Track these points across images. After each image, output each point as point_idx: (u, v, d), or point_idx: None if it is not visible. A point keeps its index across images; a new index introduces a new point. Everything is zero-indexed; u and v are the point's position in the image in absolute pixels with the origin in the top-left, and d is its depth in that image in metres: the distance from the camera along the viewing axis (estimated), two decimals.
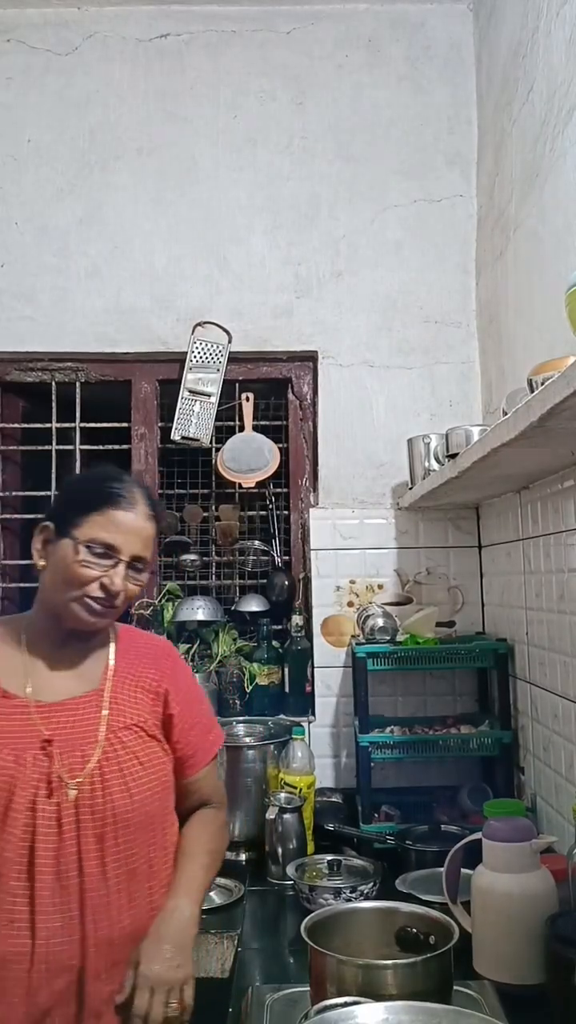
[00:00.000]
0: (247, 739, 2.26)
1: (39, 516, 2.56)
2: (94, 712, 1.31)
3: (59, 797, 1.22)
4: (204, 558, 2.66)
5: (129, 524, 1.29)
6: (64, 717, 1.28)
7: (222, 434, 2.63)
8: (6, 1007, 1.15)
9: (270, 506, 2.67)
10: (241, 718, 2.41)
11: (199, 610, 2.50)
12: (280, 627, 2.58)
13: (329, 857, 1.82)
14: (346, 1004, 1.05)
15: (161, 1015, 1.19)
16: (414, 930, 1.26)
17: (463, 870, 1.52)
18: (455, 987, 1.22)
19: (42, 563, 1.31)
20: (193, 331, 2.54)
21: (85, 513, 1.28)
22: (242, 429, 2.62)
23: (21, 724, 1.26)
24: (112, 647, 1.41)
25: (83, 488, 1.36)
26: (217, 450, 2.60)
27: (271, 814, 1.96)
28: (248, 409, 2.63)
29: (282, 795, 1.99)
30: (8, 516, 2.67)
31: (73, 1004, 1.19)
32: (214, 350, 2.55)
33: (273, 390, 2.73)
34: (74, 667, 1.35)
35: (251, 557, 2.64)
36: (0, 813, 1.19)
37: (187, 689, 1.45)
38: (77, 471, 2.64)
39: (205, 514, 2.67)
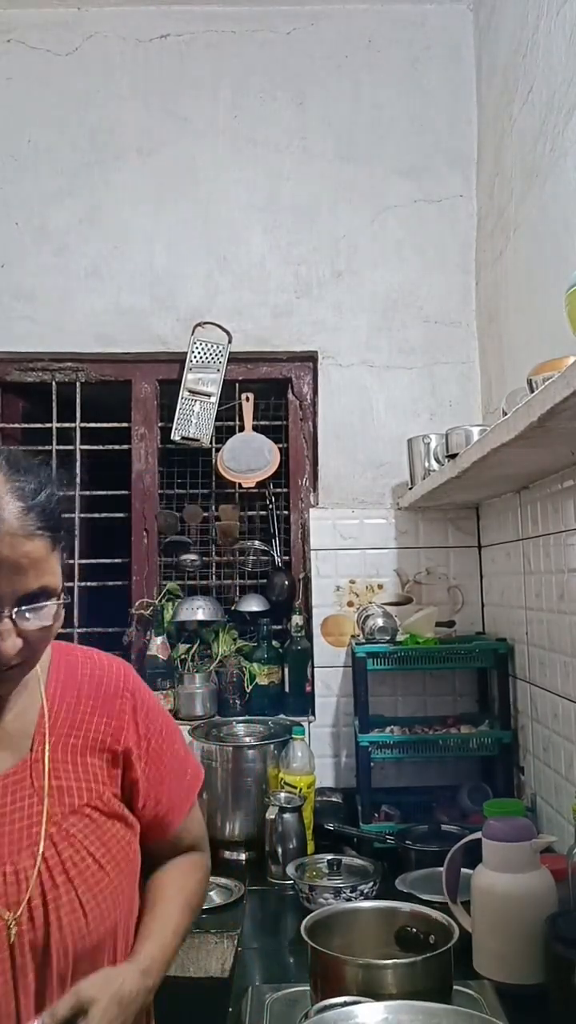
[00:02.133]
0: (247, 739, 2.26)
1: None
2: (27, 796, 0.93)
3: None
4: (204, 558, 2.66)
5: None
6: None
7: (222, 434, 2.63)
8: None
9: (270, 506, 2.67)
10: (241, 718, 2.41)
11: (199, 610, 2.50)
12: (280, 627, 2.58)
13: (329, 857, 1.81)
14: (346, 1004, 1.04)
15: None
16: (414, 930, 1.26)
17: (463, 870, 1.52)
18: (455, 987, 1.22)
19: None
20: (193, 331, 2.54)
21: None
22: (242, 429, 2.62)
23: None
24: (42, 684, 1.00)
25: None
26: (217, 450, 2.60)
27: (271, 814, 1.96)
28: (248, 409, 2.63)
29: (282, 795, 2.00)
30: None
31: None
32: (214, 350, 2.55)
33: (273, 390, 2.73)
34: None
35: (251, 557, 2.64)
36: None
37: (152, 734, 1.08)
38: (77, 471, 2.64)
39: (205, 514, 2.67)
